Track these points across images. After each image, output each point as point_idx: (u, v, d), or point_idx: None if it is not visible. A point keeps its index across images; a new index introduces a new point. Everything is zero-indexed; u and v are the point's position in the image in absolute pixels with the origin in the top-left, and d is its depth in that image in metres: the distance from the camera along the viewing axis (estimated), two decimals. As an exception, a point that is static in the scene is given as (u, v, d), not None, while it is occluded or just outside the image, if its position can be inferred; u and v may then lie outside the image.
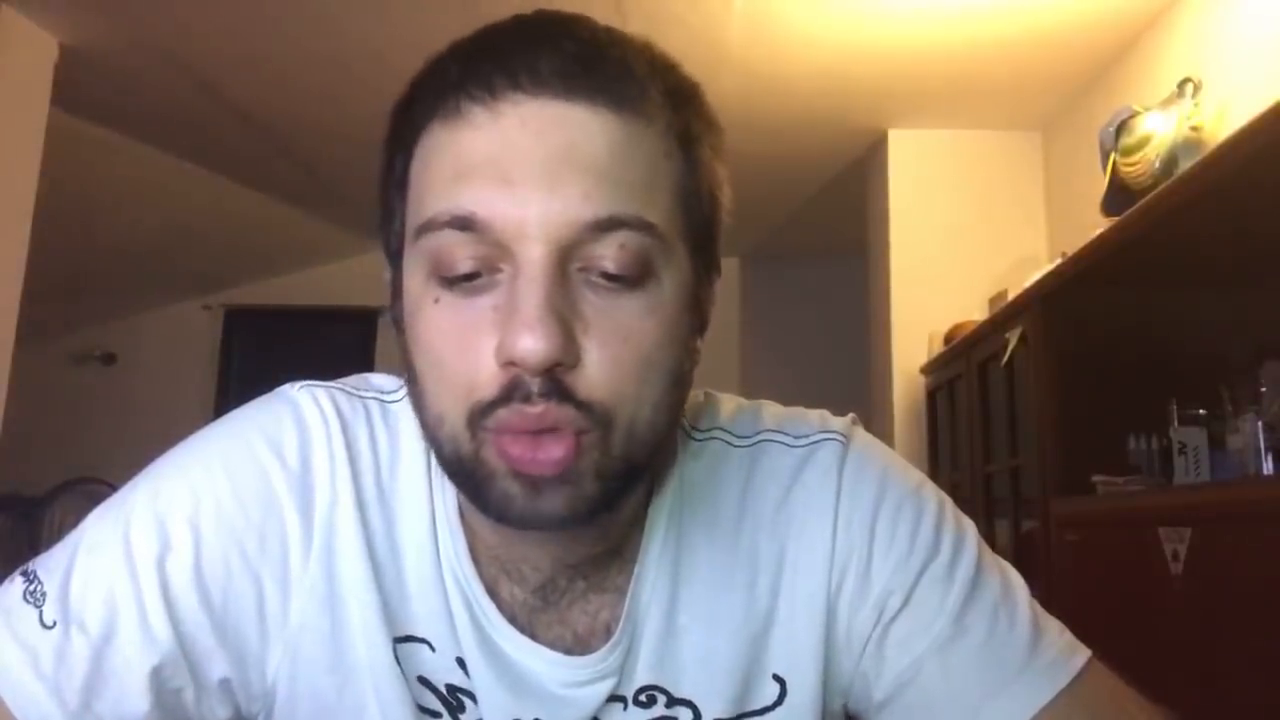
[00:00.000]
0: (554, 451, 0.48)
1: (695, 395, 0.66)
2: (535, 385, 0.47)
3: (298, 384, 0.62)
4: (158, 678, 0.54)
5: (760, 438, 0.64)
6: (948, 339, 3.08)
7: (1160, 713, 0.59)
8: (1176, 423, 1.92)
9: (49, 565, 0.55)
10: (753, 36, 2.79)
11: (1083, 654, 0.59)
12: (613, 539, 0.59)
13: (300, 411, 0.60)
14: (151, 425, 4.31)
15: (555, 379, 0.48)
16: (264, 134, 3.46)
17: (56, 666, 0.52)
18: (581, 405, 0.48)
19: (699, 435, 0.64)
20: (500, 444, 0.49)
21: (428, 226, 0.50)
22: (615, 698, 0.59)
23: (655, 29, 2.71)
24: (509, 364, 0.47)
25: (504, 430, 0.48)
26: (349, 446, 0.59)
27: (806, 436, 0.63)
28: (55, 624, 0.53)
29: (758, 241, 4.53)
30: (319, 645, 0.57)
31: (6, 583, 0.56)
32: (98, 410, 4.77)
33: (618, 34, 0.53)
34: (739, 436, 0.64)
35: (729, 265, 4.76)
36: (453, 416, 0.50)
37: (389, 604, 0.58)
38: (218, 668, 0.56)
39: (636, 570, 0.59)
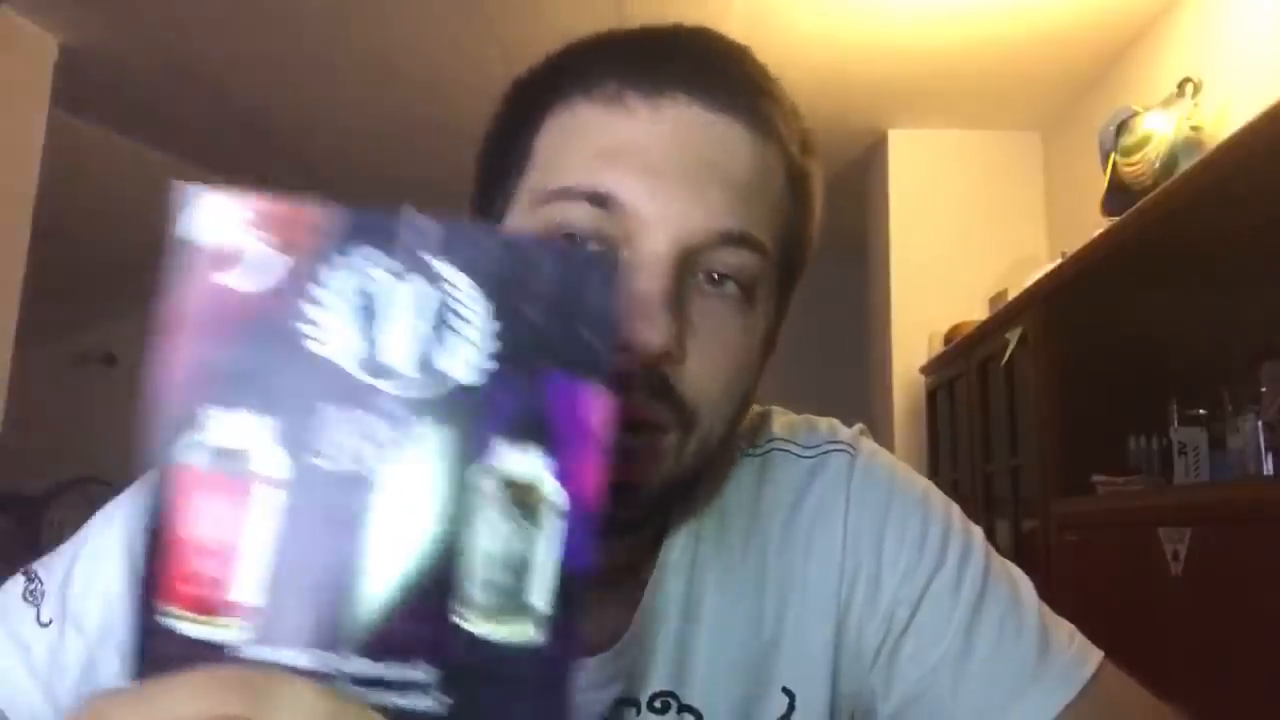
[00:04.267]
0: (646, 471, 0.49)
1: None
2: (638, 377, 0.47)
3: None
4: None
5: (770, 446, 0.63)
6: (948, 339, 3.08)
7: (1174, 714, 0.58)
8: (1176, 423, 1.92)
9: (50, 565, 0.56)
10: (753, 36, 2.77)
11: (1094, 659, 0.58)
12: (632, 553, 0.58)
13: None
14: (151, 425, 4.31)
15: (660, 373, 0.48)
16: (264, 134, 3.46)
17: (49, 664, 0.52)
18: (677, 402, 0.49)
19: None
20: None
21: (560, 195, 0.50)
22: (627, 701, 0.58)
23: (655, 29, 2.72)
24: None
25: None
26: None
27: (816, 447, 0.63)
28: (51, 622, 0.53)
29: (758, 241, 4.52)
30: None
31: (9, 583, 0.56)
32: (98, 410, 4.76)
33: (767, 69, 0.57)
34: (750, 445, 0.64)
35: (729, 265, 4.74)
36: None
37: None
38: None
39: (654, 576, 0.59)
